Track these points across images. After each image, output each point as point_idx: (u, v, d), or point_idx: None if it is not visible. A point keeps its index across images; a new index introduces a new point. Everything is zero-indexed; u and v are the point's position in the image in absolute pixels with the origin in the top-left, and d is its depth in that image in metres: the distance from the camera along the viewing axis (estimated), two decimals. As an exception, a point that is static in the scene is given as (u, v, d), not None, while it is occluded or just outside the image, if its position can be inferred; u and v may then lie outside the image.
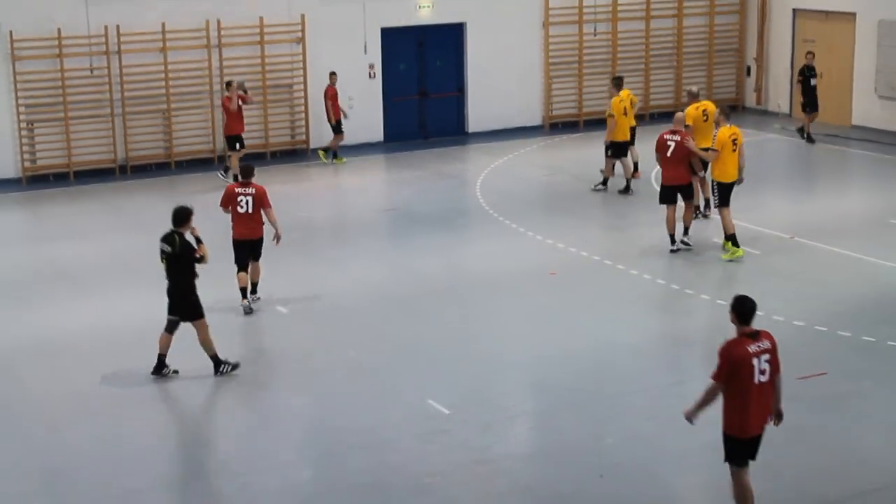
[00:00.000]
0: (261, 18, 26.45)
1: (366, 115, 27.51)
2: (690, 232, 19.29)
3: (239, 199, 16.66)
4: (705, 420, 13.23)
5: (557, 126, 29.30)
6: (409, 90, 28.39)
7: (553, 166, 25.54)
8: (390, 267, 19.04)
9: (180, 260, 14.25)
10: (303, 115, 27.25)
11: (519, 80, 29.12)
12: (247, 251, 16.75)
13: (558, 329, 16.07)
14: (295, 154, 27.13)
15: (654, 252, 19.33)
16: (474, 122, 29.02)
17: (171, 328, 14.52)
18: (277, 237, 16.74)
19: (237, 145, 24.41)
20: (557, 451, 12.58)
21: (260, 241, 16.80)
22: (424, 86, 28.44)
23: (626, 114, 22.70)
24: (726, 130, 18.76)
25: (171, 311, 14.50)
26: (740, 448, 10.69)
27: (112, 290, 17.96)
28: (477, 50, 28.76)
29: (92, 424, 13.40)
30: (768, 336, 10.70)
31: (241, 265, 16.72)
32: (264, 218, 16.72)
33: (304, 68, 26.97)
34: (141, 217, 22.06)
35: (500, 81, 28.82)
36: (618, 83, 23.04)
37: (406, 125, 28.41)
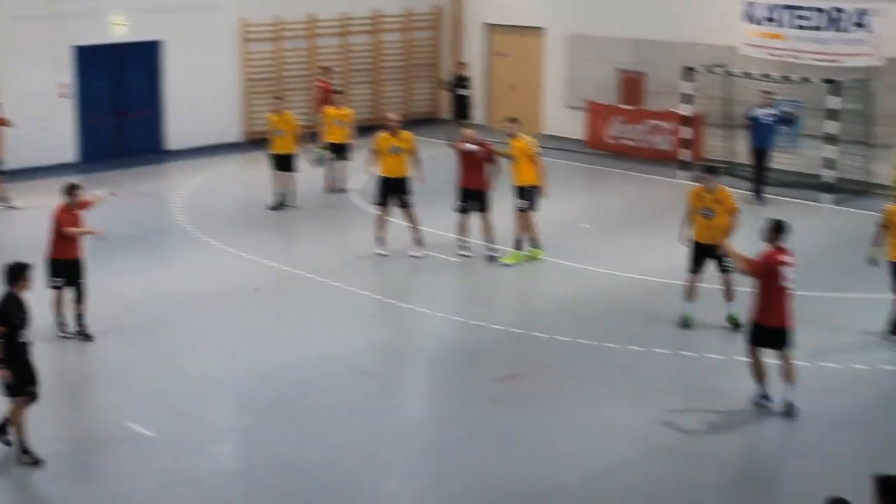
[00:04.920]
0: (-57, 37, 25.38)
1: (59, 135, 26.73)
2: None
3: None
4: (408, 428, 13.53)
5: (258, 142, 29.17)
6: (105, 109, 27.75)
7: (254, 182, 25.43)
8: (90, 291, 18.54)
9: None
10: (-9, 135, 26.23)
11: (218, 97, 28.86)
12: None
13: (264, 344, 16.01)
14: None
15: (358, 264, 19.52)
16: (174, 139, 28.58)
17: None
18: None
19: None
20: (264, 466, 12.52)
21: (71, 263, 15.99)
22: (121, 104, 27.87)
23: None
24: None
25: None
26: None
27: None
28: (174, 67, 28.35)
29: None
30: None
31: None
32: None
33: (-8, 87, 25.98)
34: None
35: (198, 99, 28.46)
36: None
37: (102, 145, 27.72)
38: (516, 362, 15.21)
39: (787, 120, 23.46)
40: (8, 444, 12.65)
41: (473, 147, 19.11)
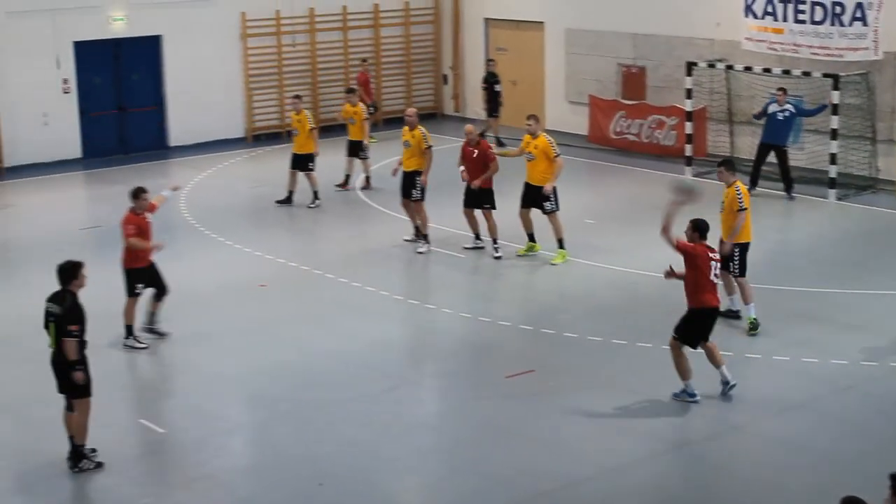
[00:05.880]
0: (-55, 33, 25.35)
1: (62, 131, 26.75)
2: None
3: None
4: (418, 424, 13.55)
5: (261, 138, 29.21)
6: (107, 105, 27.76)
7: (258, 178, 25.46)
8: (95, 285, 18.47)
9: (63, 323, 12.15)
10: (-5, 131, 26.26)
11: (219, 93, 28.88)
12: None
13: (271, 340, 16.04)
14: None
15: (363, 260, 19.55)
16: (176, 135, 28.59)
17: (71, 407, 12.37)
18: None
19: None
20: (275, 462, 12.55)
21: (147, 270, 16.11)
22: (122, 100, 27.89)
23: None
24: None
25: (60, 388, 12.28)
26: None
27: None
28: (175, 63, 28.35)
29: None
30: None
31: None
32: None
33: (-6, 84, 25.99)
34: None
35: (200, 94, 28.50)
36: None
37: (105, 140, 27.75)
38: (525, 359, 15.24)
39: (811, 112, 23.35)
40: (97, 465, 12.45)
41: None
